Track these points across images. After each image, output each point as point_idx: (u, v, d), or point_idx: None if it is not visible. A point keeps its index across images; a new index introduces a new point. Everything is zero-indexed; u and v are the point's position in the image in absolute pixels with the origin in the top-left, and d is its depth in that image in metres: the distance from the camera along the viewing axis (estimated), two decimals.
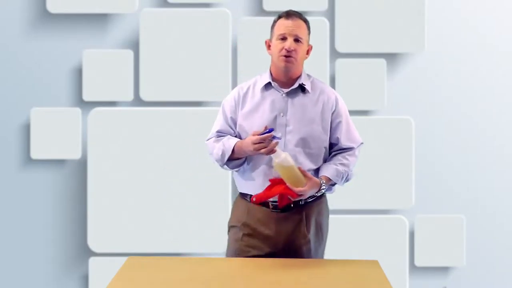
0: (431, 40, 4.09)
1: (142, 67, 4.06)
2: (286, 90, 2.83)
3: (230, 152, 2.78)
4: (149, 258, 2.83)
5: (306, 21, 2.83)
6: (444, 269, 4.14)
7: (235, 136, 2.87)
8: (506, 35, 4.12)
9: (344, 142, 2.87)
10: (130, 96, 4.09)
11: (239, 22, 4.04)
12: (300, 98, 2.83)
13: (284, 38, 2.77)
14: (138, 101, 4.10)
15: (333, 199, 4.05)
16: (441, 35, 4.11)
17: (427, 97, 4.13)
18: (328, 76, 4.06)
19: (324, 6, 4.07)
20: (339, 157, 2.86)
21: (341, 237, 4.05)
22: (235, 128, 2.87)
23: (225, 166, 2.86)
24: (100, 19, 4.10)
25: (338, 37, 4.07)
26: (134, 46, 4.10)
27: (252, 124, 2.81)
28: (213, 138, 2.89)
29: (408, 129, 4.07)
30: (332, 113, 2.85)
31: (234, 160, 2.82)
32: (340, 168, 2.82)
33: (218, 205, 4.03)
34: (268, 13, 4.04)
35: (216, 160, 2.86)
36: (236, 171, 2.90)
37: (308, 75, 2.90)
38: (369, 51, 4.08)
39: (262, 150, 2.66)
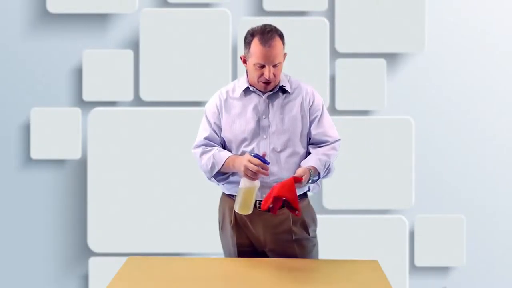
0: (431, 40, 4.09)
1: (142, 67, 4.06)
2: (266, 94, 2.85)
3: (220, 166, 2.80)
4: (149, 258, 2.84)
5: (281, 36, 2.80)
6: (444, 269, 4.15)
7: (221, 143, 2.90)
8: (506, 35, 4.12)
9: (319, 137, 2.87)
10: (130, 96, 4.09)
11: (239, 22, 4.04)
12: (280, 99, 2.85)
13: (262, 66, 2.77)
14: (138, 101, 4.10)
15: (333, 199, 4.07)
16: (441, 35, 4.11)
17: (427, 97, 4.13)
18: (328, 76, 4.06)
19: (324, 6, 4.07)
20: (319, 150, 2.86)
21: (341, 237, 4.05)
22: (220, 133, 2.89)
23: (213, 179, 2.88)
24: (100, 19, 4.10)
25: (338, 37, 4.07)
26: (134, 46, 4.10)
27: (237, 130, 2.83)
28: (201, 148, 2.88)
29: (408, 129, 4.07)
30: (310, 108, 2.87)
31: (221, 174, 2.84)
32: (322, 157, 2.81)
33: (218, 205, 4.03)
34: (268, 13, 4.04)
35: (204, 172, 2.87)
36: (222, 184, 2.91)
37: (285, 75, 2.91)
38: (369, 51, 4.08)
39: (250, 175, 2.67)
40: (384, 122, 4.08)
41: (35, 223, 4.12)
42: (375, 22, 4.06)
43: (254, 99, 2.85)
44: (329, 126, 2.89)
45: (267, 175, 2.68)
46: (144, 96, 4.07)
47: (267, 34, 2.76)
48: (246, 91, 2.87)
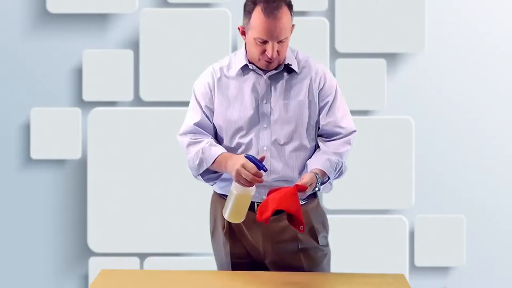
0: (431, 40, 4.09)
1: (142, 67, 4.06)
2: (268, 74, 2.40)
3: (210, 164, 2.35)
4: (122, 271, 2.53)
5: (289, 5, 2.36)
6: (444, 269, 4.14)
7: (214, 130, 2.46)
8: (506, 35, 4.12)
9: (330, 127, 2.42)
10: (130, 96, 4.09)
11: (239, 22, 4.04)
12: (285, 80, 2.40)
13: (264, 42, 2.34)
14: (138, 101, 4.10)
15: (333, 199, 4.07)
16: (441, 35, 4.11)
17: (427, 97, 4.12)
18: None
19: (324, 6, 4.06)
20: (329, 145, 2.42)
21: (341, 237, 4.04)
22: (212, 118, 2.45)
23: (199, 177, 2.42)
24: (100, 19, 4.10)
25: (338, 37, 4.06)
26: (134, 46, 4.10)
27: (232, 117, 2.40)
28: (189, 137, 2.43)
29: (408, 129, 4.07)
30: (319, 92, 2.43)
31: (211, 172, 2.40)
32: (333, 157, 2.36)
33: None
34: None
35: (190, 168, 2.42)
36: (211, 184, 2.47)
37: (292, 50, 2.46)
38: (369, 51, 4.07)
39: (242, 181, 2.25)
40: (384, 122, 4.07)
41: (35, 223, 4.12)
42: (375, 22, 4.06)
43: (253, 79, 2.40)
44: (343, 115, 2.43)
45: (261, 182, 2.24)
46: (144, 96, 4.07)
47: (272, 3, 2.31)
48: (244, 69, 2.41)
